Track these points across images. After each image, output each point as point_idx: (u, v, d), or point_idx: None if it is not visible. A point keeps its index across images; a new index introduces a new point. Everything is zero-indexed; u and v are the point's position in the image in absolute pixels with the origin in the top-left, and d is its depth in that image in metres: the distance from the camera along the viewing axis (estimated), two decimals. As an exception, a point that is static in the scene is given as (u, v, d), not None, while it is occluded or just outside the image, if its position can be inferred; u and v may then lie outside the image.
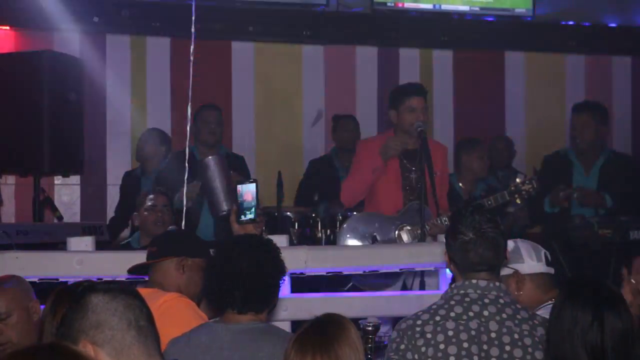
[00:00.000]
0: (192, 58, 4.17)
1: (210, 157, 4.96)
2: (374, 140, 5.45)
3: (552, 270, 3.36)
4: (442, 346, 2.81)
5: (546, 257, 3.36)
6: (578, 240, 5.35)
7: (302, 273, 4.10)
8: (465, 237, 2.92)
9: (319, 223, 5.79)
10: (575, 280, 2.72)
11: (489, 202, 4.92)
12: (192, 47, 4.16)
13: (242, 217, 3.69)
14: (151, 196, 5.15)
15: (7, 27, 6.81)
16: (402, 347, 2.85)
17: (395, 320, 4.26)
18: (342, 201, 5.33)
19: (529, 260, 3.31)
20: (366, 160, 5.13)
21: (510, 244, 3.30)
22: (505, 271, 3.28)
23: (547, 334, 2.62)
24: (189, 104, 4.24)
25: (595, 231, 5.45)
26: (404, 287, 4.88)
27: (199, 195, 5.57)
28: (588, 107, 5.93)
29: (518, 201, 5.04)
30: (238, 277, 2.95)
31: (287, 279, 3.99)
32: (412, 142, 5.07)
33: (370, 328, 3.54)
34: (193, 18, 4.15)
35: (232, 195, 3.89)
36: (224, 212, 4.03)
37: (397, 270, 4.48)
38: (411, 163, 5.09)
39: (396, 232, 4.94)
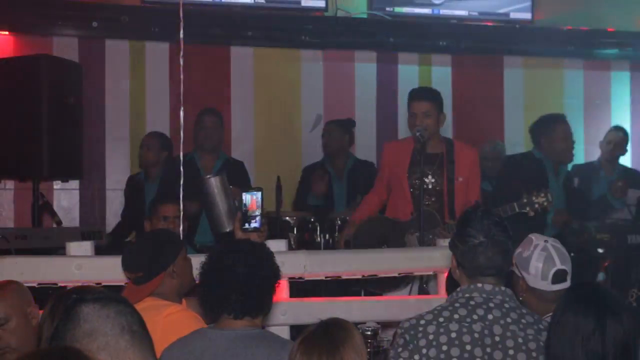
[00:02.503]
0: (181, 62, 4.19)
1: (212, 178, 4.97)
2: (397, 142, 5.47)
3: (562, 287, 3.21)
4: (444, 347, 2.79)
5: (556, 275, 3.23)
6: (576, 245, 5.34)
7: (301, 278, 4.11)
8: (476, 240, 2.90)
9: (318, 228, 5.80)
10: (577, 287, 2.69)
11: (497, 214, 4.82)
12: (181, 50, 4.18)
13: (246, 225, 3.69)
14: (164, 206, 5.11)
15: (6, 32, 6.81)
16: (404, 346, 2.84)
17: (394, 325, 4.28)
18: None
19: (532, 275, 3.25)
20: (392, 163, 5.17)
21: (530, 248, 3.25)
22: (516, 270, 3.28)
23: (548, 340, 2.60)
24: (182, 108, 4.24)
25: (593, 236, 5.46)
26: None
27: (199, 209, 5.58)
28: (564, 117, 5.96)
29: (531, 214, 4.91)
30: (233, 282, 2.96)
31: (285, 283, 4.00)
32: (431, 146, 5.08)
33: (369, 333, 3.55)
34: (181, 18, 4.16)
35: (233, 214, 3.88)
36: (224, 232, 4.04)
37: (396, 274, 4.48)
38: (429, 167, 5.08)
39: (405, 238, 4.94)
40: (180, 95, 4.11)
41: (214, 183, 4.91)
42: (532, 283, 3.25)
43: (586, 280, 3.14)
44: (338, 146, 6.61)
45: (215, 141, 6.06)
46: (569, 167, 6.15)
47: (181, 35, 4.09)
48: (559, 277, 3.24)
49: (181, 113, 4.12)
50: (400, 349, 2.85)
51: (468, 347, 2.80)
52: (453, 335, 2.81)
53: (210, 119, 6.07)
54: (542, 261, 3.25)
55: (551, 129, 5.86)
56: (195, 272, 3.14)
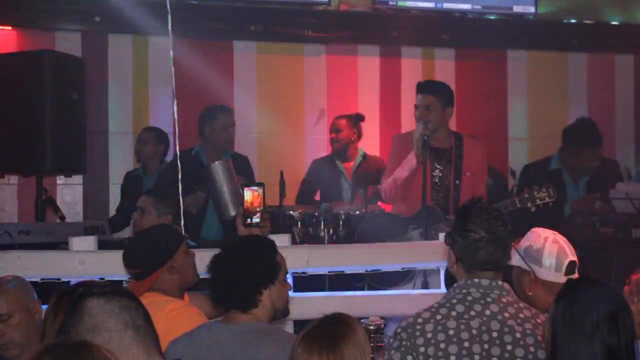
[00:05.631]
0: (172, 54, 4.20)
1: (217, 163, 4.96)
2: (405, 135, 5.40)
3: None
4: (442, 345, 2.78)
5: (569, 266, 3.21)
6: (580, 238, 5.32)
7: (304, 272, 4.11)
8: (477, 235, 2.88)
9: (322, 222, 5.78)
10: (576, 283, 2.67)
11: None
12: (170, 42, 4.19)
13: (248, 220, 3.69)
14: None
15: (9, 27, 6.81)
16: (402, 345, 2.82)
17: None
18: (383, 199, 5.30)
19: (546, 268, 3.22)
20: (400, 155, 5.10)
21: (540, 240, 3.25)
22: (523, 265, 3.25)
23: (554, 339, 2.52)
24: (175, 101, 4.24)
25: (597, 229, 5.44)
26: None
27: (205, 199, 5.57)
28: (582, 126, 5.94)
29: (532, 209, 4.85)
30: (234, 276, 2.97)
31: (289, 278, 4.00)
32: (439, 140, 5.06)
33: (372, 327, 3.54)
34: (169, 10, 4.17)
35: (238, 200, 3.90)
36: (230, 217, 4.04)
37: (400, 269, 4.48)
38: (438, 161, 5.05)
39: (408, 233, 4.93)
40: (173, 89, 4.11)
41: (218, 168, 4.91)
42: (543, 276, 3.22)
43: (584, 275, 3.11)
44: (347, 141, 6.61)
45: (232, 141, 6.05)
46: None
47: (169, 27, 4.08)
48: (571, 268, 3.23)
49: (174, 107, 4.12)
50: (393, 351, 2.84)
51: (466, 344, 2.79)
52: (451, 332, 2.80)
53: (231, 118, 6.04)
54: (555, 253, 3.23)
55: (566, 141, 5.89)
56: (204, 266, 3.14)
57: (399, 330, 2.86)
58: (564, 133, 6.09)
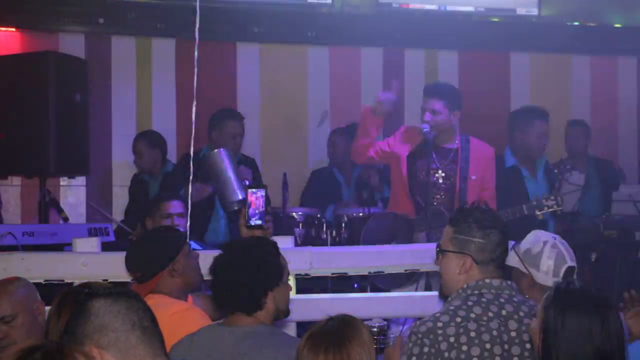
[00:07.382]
0: (195, 54, 4.18)
1: (219, 150, 4.96)
2: (414, 128, 5.39)
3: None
4: (464, 347, 2.80)
5: (567, 272, 3.20)
6: (583, 241, 5.32)
7: (306, 274, 4.11)
8: (496, 230, 2.94)
9: (324, 224, 5.78)
10: (564, 289, 2.66)
11: (506, 216, 4.74)
12: (196, 45, 4.17)
13: (251, 222, 3.70)
14: (166, 203, 5.08)
15: (13, 29, 6.82)
16: (425, 350, 2.81)
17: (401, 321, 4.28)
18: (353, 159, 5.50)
19: (543, 272, 3.22)
20: (395, 140, 5.18)
21: (539, 244, 3.24)
22: (521, 267, 3.25)
23: (546, 348, 2.49)
24: (194, 103, 4.23)
25: (601, 232, 5.44)
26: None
27: (209, 196, 5.56)
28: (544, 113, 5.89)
29: (540, 217, 4.84)
30: (234, 279, 2.97)
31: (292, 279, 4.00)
32: (445, 140, 5.06)
33: (375, 329, 3.54)
34: (197, 18, 4.16)
35: (243, 185, 3.90)
36: (238, 200, 4.04)
37: (403, 271, 4.48)
38: (441, 162, 5.04)
39: (414, 235, 4.93)
40: (194, 91, 4.09)
41: (222, 154, 4.90)
42: (541, 280, 3.22)
43: (568, 281, 3.11)
44: (343, 156, 6.60)
45: (239, 148, 6.04)
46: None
47: (197, 28, 4.06)
48: (569, 274, 3.23)
49: (193, 109, 4.10)
50: (414, 358, 2.81)
51: (488, 346, 2.81)
52: (472, 334, 2.82)
53: (240, 125, 6.03)
54: (553, 258, 3.22)
55: (529, 124, 5.77)
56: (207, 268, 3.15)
57: (419, 335, 2.84)
58: (508, 119, 6.02)
